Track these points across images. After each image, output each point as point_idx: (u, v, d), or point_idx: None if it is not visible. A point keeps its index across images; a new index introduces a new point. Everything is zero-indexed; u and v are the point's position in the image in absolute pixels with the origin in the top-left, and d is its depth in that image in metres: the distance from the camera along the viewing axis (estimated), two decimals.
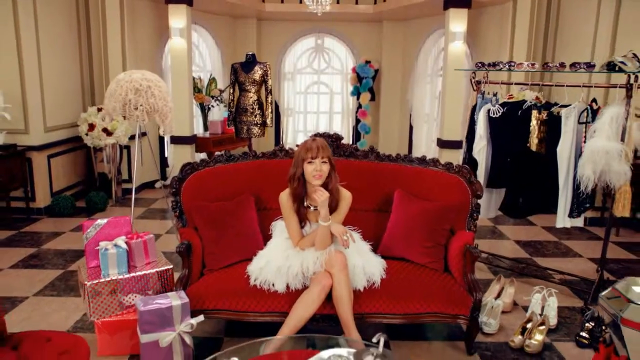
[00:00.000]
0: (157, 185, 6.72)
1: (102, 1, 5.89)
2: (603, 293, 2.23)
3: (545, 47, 6.17)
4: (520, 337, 2.85)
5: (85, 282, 2.62)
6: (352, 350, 1.85)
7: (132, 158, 6.28)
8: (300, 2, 7.12)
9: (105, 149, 5.81)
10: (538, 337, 2.82)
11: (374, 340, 1.76)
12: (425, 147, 7.49)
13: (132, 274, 2.74)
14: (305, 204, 2.63)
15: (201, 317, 2.54)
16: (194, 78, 6.67)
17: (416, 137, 7.72)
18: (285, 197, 2.65)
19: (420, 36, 7.40)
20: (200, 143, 6.59)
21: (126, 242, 2.77)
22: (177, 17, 5.95)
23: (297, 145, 2.67)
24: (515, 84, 3.70)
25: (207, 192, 2.99)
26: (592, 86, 3.27)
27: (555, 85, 3.51)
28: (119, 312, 2.72)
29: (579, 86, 3.27)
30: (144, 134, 6.42)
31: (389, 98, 8.04)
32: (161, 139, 6.84)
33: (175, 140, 6.29)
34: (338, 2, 7.30)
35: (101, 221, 2.83)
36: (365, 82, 7.72)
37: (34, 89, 5.12)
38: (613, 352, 2.49)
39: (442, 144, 6.16)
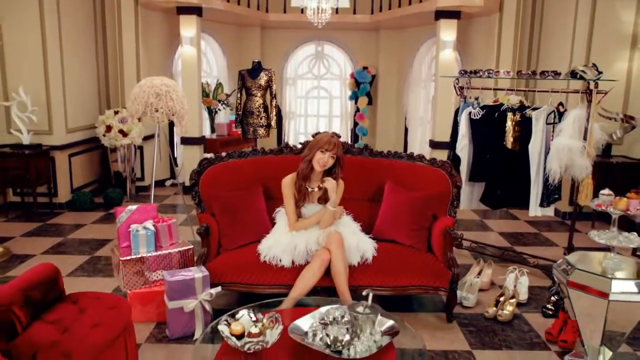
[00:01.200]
0: (168, 183, 7.17)
1: (118, 12, 6.36)
2: (556, 263, 2.67)
3: (530, 55, 6.64)
4: (494, 308, 3.29)
5: (120, 259, 3.06)
6: (346, 306, 2.28)
7: (144, 158, 6.73)
8: (302, 12, 7.57)
9: (120, 149, 6.25)
10: (509, 308, 3.26)
11: (364, 293, 2.20)
12: (419, 148, 7.93)
13: (159, 253, 3.19)
14: (307, 185, 3.08)
15: (219, 288, 2.98)
16: (202, 83, 7.12)
17: (411, 138, 8.17)
18: (287, 181, 3.11)
19: (415, 44, 7.86)
20: (208, 144, 7.03)
21: (154, 225, 3.21)
22: (188, 27, 6.41)
23: (316, 134, 3.22)
24: (494, 89, 4.14)
25: (222, 183, 3.43)
26: (558, 92, 3.71)
27: (529, 91, 3.96)
28: (146, 286, 3.16)
29: (547, 91, 3.72)
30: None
31: (385, 102, 8.49)
32: (171, 141, 7.28)
33: (185, 141, 6.73)
34: (337, 12, 7.75)
35: (132, 207, 3.27)
36: (363, 87, 8.17)
37: (57, 94, 5.57)
38: (568, 317, 2.94)
39: (434, 144, 6.60)
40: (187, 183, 5.17)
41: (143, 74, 6.44)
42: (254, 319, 2.11)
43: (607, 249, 2.66)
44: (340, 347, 2.02)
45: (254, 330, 2.03)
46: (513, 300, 3.32)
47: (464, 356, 2.81)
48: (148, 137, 6.54)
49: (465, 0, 6.05)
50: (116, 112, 6.08)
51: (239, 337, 2.01)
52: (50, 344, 2.01)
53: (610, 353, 2.53)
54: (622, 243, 2.47)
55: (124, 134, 6.01)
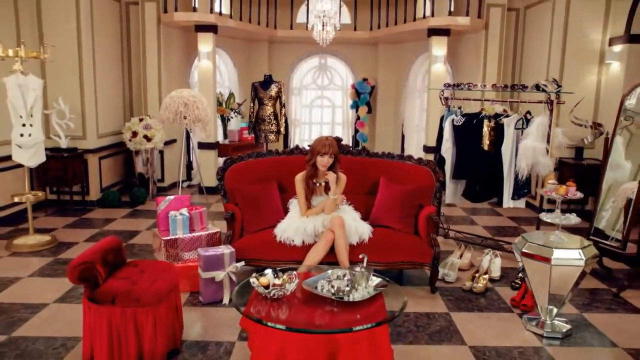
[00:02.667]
0: (184, 184, 7.85)
1: (142, 30, 7.07)
2: (516, 240, 3.33)
3: (513, 68, 7.35)
4: (470, 282, 3.94)
5: (162, 239, 3.74)
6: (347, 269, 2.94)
7: (164, 161, 7.42)
8: (307, 28, 8.29)
9: (141, 153, 6.95)
10: (482, 282, 3.91)
11: (360, 257, 2.87)
12: (415, 153, 8.55)
13: (192, 235, 3.86)
14: (314, 181, 3.76)
15: (242, 263, 3.63)
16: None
17: (407, 144, 8.85)
18: (299, 178, 3.79)
19: (410, 58, 8.56)
20: (221, 149, 7.72)
21: (188, 212, 3.88)
22: (205, 43, 7.12)
23: (315, 140, 3.82)
24: (474, 99, 4.81)
25: (244, 178, 4.11)
26: (525, 102, 4.39)
27: (502, 101, 4.65)
28: (181, 262, 3.82)
29: (517, 102, 4.40)
30: (174, 141, 7.60)
31: (383, 111, 9.17)
32: (187, 145, 7.97)
33: (202, 146, 7.42)
34: (339, 29, 8.46)
35: (170, 197, 3.95)
36: (363, 97, 8.86)
37: (90, 103, 6.28)
38: (527, 286, 3.60)
39: (427, 149, 7.28)
40: (203, 184, 5.87)
41: (164, 85, 7.15)
42: (276, 275, 2.77)
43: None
44: (342, 295, 2.68)
45: (277, 282, 2.69)
46: (486, 276, 3.97)
47: (443, 316, 3.46)
48: (167, 143, 7.25)
49: (454, 20, 6.76)
50: (141, 120, 6.78)
51: (266, 287, 2.67)
52: (125, 291, 2.68)
53: (556, 310, 3.18)
54: (563, 221, 3.13)
55: (147, 139, 6.70)
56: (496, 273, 4.13)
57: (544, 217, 3.27)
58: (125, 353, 2.72)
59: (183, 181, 7.90)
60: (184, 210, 3.89)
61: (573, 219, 3.15)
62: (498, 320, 3.43)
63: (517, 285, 3.93)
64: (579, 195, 3.28)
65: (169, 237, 3.78)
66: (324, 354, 2.50)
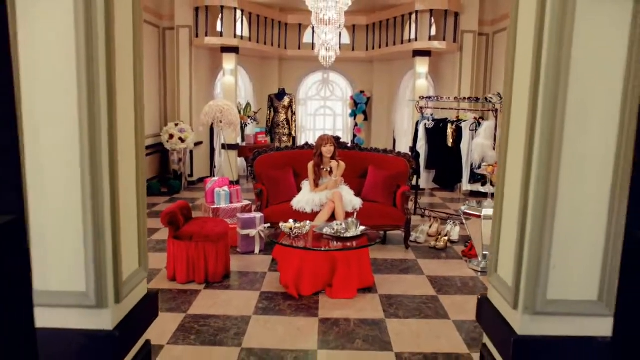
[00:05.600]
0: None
1: (177, 52, 8.57)
2: (460, 206, 4.75)
3: (485, 84, 8.81)
4: (434, 242, 5.36)
5: (210, 207, 5.18)
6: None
7: (194, 159, 8.88)
8: (312, 49, 9.77)
9: (174, 153, 8.40)
10: (443, 241, 5.33)
11: (351, 212, 4.29)
12: None
13: (231, 205, 5.29)
14: (321, 167, 5.21)
15: (268, 224, 5.06)
16: None
17: (398, 146, 10.28)
18: (310, 165, 5.24)
19: (400, 74, 10.04)
20: (241, 150, 9.17)
21: (228, 189, 5.33)
22: (229, 62, 8.62)
23: (317, 139, 5.28)
24: (442, 109, 6.27)
25: (268, 165, 5.55)
26: (478, 110, 5.84)
27: (471, 110, 6.11)
28: None
29: (472, 110, 5.85)
30: (201, 143, 9.05)
31: (378, 118, 10.65)
32: (211, 146, 9.43)
33: (225, 147, 8.87)
34: (339, 54, 9.93)
35: (214, 178, 5.40)
36: (360, 106, 10.33)
37: None
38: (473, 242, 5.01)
39: (412, 150, 8.71)
40: (233, 177, 7.30)
41: (194, 97, 8.64)
42: (296, 222, 4.21)
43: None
44: (339, 234, 4.10)
45: (297, 225, 4.12)
46: (446, 237, 5.40)
47: (411, 261, 4.89)
48: (196, 144, 8.71)
49: (433, 44, 8.24)
50: (176, 125, 8.25)
51: (290, 229, 4.10)
52: (198, 232, 4.11)
53: (488, 253, 4.60)
54: (491, 190, 4.56)
55: (182, 140, 8.17)
56: (455, 237, 5.55)
57: (480, 188, 4.70)
58: (197, 274, 4.14)
59: (207, 177, 9.34)
60: (226, 188, 5.33)
61: None
62: (450, 264, 4.85)
63: (467, 244, 5.35)
64: None
65: (214, 206, 5.22)
66: (327, 269, 3.94)
